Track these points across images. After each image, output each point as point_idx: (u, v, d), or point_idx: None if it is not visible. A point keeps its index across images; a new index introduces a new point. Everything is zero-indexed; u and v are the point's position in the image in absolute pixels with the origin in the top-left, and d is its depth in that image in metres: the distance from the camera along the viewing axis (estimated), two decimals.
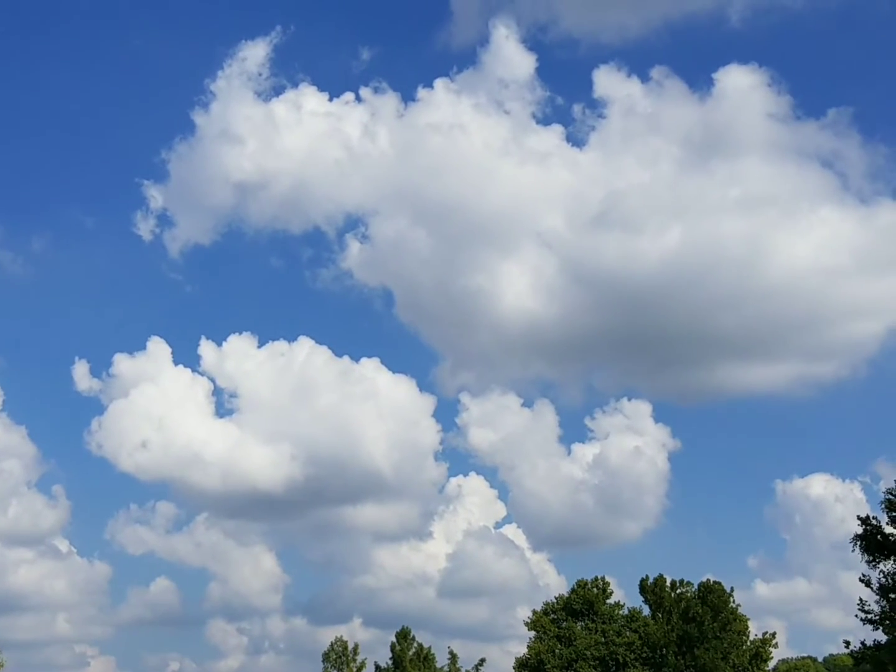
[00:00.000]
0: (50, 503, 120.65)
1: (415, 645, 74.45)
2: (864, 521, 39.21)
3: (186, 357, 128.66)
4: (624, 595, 76.79)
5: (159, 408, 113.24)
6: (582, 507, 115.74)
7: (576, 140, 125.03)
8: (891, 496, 39.03)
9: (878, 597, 39.35)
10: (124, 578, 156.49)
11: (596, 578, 76.28)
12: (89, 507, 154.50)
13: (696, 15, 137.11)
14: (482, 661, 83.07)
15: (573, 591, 75.19)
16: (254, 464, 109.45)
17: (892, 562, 39.24)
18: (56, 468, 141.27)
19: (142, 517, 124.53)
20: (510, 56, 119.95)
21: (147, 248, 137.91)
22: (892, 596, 39.11)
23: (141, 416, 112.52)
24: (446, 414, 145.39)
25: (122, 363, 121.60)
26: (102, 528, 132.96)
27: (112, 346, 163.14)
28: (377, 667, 75.28)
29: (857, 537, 39.58)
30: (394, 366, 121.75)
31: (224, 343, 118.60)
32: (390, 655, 74.45)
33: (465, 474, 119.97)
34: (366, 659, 77.03)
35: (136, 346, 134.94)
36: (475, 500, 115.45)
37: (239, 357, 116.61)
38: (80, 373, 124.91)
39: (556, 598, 76.21)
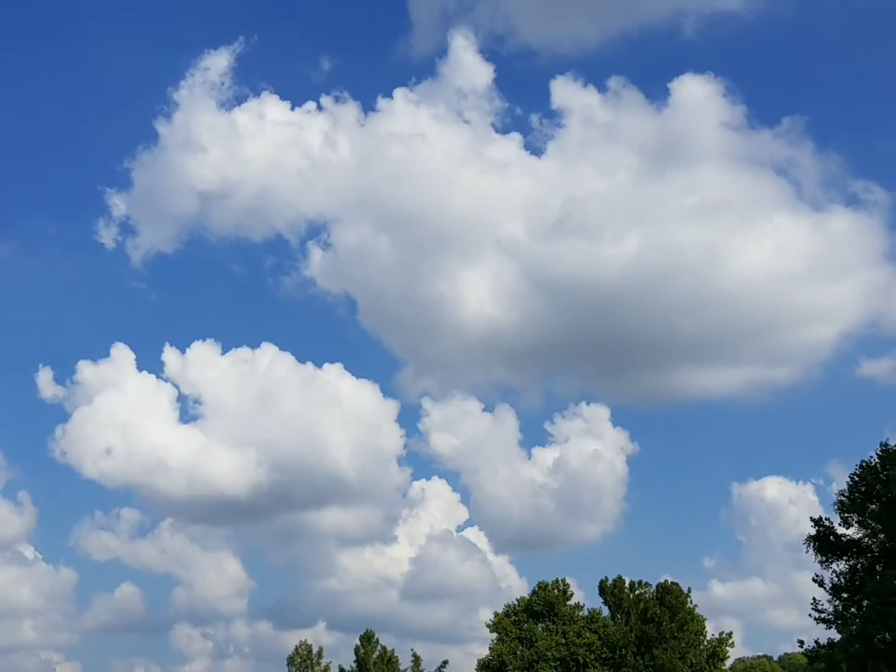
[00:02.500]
0: (15, 510, 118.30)
1: (378, 648, 73.88)
2: (817, 522, 40.26)
3: (150, 364, 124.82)
4: (584, 596, 77.13)
5: (123, 414, 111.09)
6: (542, 510, 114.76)
7: (534, 149, 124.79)
8: (843, 498, 39.31)
9: (830, 596, 40.38)
10: (89, 584, 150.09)
11: (556, 580, 76.83)
12: (54, 513, 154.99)
13: (651, 26, 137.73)
14: (444, 663, 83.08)
15: (534, 593, 75.56)
16: (218, 469, 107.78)
17: (844, 562, 40.64)
18: (21, 475, 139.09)
19: (107, 524, 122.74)
20: (469, 66, 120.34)
21: (110, 256, 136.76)
22: (845, 595, 40.35)
23: (105, 422, 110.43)
24: (409, 419, 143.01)
25: (86, 370, 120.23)
26: (68, 535, 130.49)
27: (76, 353, 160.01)
28: (341, 670, 74.20)
29: (811, 538, 40.77)
30: (357, 371, 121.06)
31: (188, 350, 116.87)
32: (354, 659, 73.72)
33: (428, 478, 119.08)
34: (330, 662, 76.59)
35: (99, 353, 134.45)
36: (438, 503, 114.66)
37: (202, 364, 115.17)
38: (44, 380, 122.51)
39: (517, 601, 76.69)
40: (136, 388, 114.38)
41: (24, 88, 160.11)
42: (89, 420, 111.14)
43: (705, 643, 72.91)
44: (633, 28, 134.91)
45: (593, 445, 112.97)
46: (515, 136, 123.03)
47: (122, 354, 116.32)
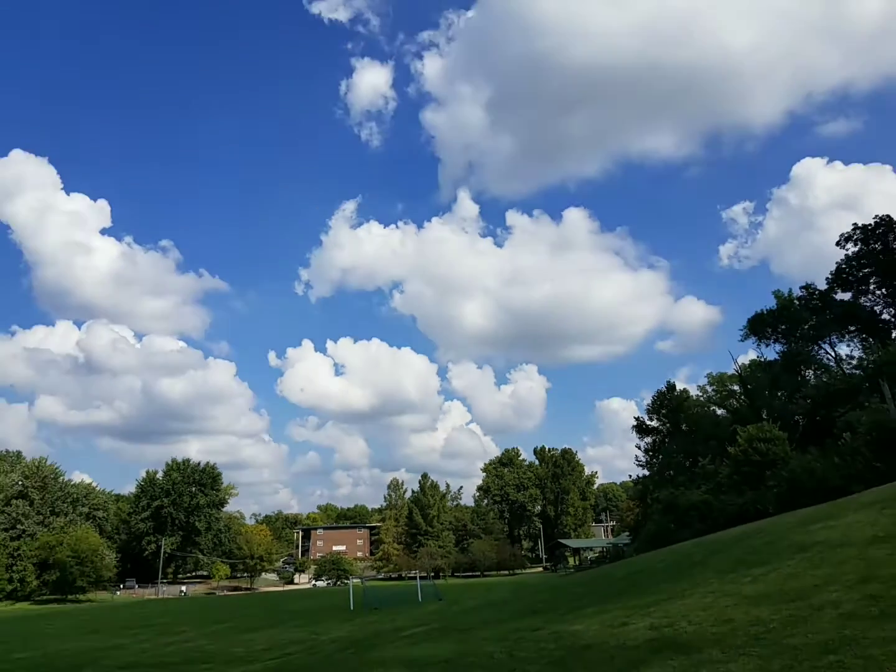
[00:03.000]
0: (260, 418, 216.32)
1: (430, 480, 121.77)
2: (637, 419, 62.86)
3: (321, 348, 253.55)
4: (527, 455, 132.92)
5: (308, 373, 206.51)
6: (506, 414, 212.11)
7: (499, 245, 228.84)
8: (647, 407, 61.62)
9: (644, 454, 61.87)
10: (294, 452, 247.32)
11: (514, 448, 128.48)
12: (278, 419, 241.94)
13: (551, 186, 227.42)
14: (461, 488, 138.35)
15: (503, 454, 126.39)
16: (353, 397, 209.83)
17: (650, 437, 61.75)
18: (262, 401, 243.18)
19: (301, 423, 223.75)
20: (467, 206, 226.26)
21: (300, 299, 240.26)
22: (651, 453, 60.95)
23: (300, 376, 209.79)
24: (442, 373, 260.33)
25: (290, 352, 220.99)
26: (284, 428, 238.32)
27: (285, 343, 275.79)
28: (413, 491, 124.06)
29: (634, 426, 62.78)
30: (418, 350, 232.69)
31: (339, 341, 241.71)
32: (419, 485, 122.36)
33: (451, 401, 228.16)
34: (407, 488, 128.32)
35: (295, 343, 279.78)
36: (456, 413, 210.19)
37: (346, 348, 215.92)
38: (272, 357, 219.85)
39: (494, 458, 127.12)
40: (314, 361, 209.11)
41: (266, 223, 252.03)
42: (292, 376, 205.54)
43: (584, 477, 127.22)
44: (545, 186, 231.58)
45: (530, 384, 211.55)
46: (489, 239, 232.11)
47: (307, 344, 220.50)
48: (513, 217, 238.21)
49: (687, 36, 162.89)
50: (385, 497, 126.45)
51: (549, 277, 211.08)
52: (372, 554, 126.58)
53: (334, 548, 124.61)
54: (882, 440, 30.45)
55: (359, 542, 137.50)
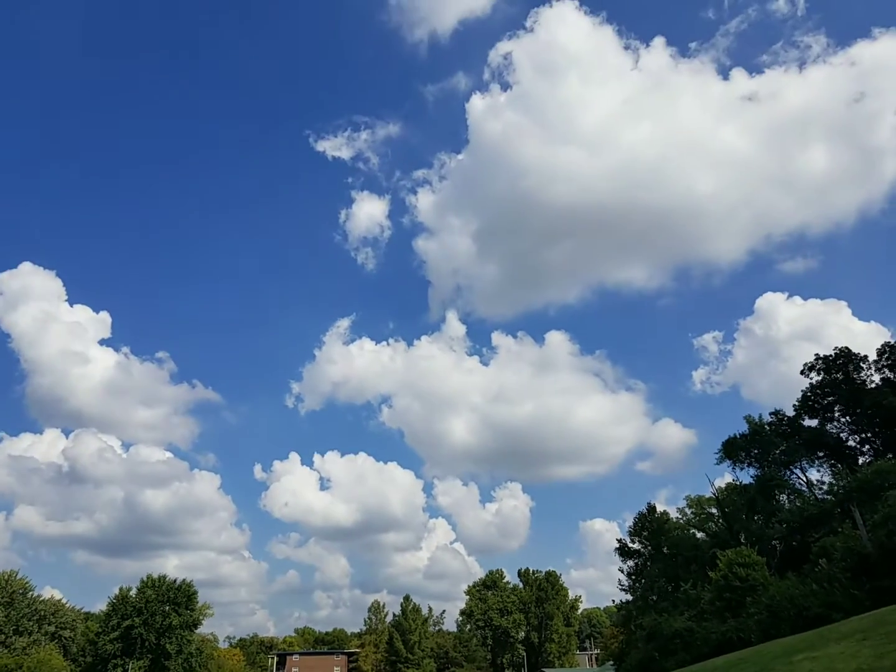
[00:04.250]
0: (241, 533, 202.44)
1: (411, 603, 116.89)
2: (620, 541, 60.43)
3: (307, 461, 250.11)
4: (511, 577, 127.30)
5: (294, 486, 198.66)
6: (491, 533, 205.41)
7: (485, 363, 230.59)
8: (629, 529, 59.23)
9: (627, 578, 59.24)
10: (274, 571, 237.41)
11: (498, 570, 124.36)
12: (259, 534, 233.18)
13: (534, 310, 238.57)
14: (443, 612, 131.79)
15: (486, 576, 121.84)
16: (338, 513, 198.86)
17: (632, 561, 59.40)
18: (244, 515, 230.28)
19: (283, 539, 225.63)
20: (455, 327, 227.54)
21: (289, 412, 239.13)
22: (633, 577, 58.45)
23: (285, 490, 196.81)
24: (428, 489, 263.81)
25: (277, 465, 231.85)
26: (265, 545, 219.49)
27: (272, 456, 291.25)
28: (394, 615, 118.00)
29: (616, 549, 60.15)
30: (404, 465, 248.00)
31: (325, 455, 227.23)
32: (400, 609, 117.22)
33: (436, 518, 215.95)
34: (389, 611, 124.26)
35: (283, 455, 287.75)
36: (441, 530, 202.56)
37: (332, 461, 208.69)
38: (257, 470, 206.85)
39: (478, 580, 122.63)
40: (300, 474, 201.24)
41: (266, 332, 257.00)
42: (277, 490, 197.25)
43: (568, 601, 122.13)
44: (528, 309, 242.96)
45: (514, 503, 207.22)
46: (476, 358, 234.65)
47: (294, 457, 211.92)
48: (498, 338, 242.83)
49: (657, 181, 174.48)
50: (365, 620, 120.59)
51: (532, 396, 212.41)
52: None
53: None
54: (856, 567, 30.05)
55: (336, 669, 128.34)
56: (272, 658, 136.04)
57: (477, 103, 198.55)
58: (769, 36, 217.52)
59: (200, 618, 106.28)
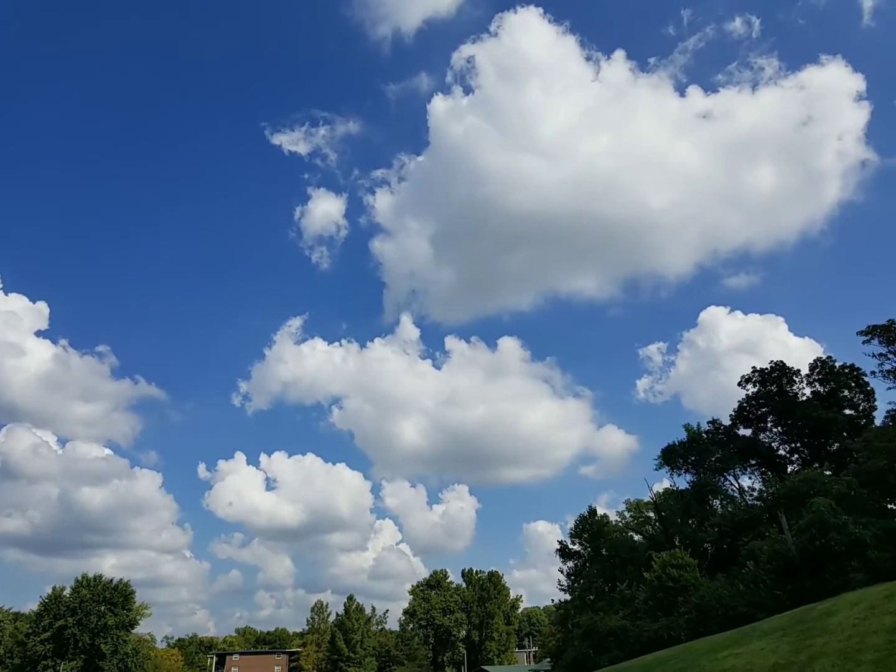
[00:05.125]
0: (183, 533, 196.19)
1: (355, 603, 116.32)
2: (561, 542, 61.84)
3: (253, 460, 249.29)
4: (455, 577, 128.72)
5: (239, 486, 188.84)
6: (437, 534, 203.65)
7: (437, 367, 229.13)
8: (570, 531, 60.86)
9: (567, 578, 60.95)
10: (216, 571, 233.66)
11: (442, 570, 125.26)
12: (201, 534, 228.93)
13: (488, 316, 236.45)
14: (387, 611, 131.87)
15: (431, 576, 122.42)
16: (284, 513, 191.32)
17: (572, 561, 60.84)
18: (187, 515, 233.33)
19: (226, 539, 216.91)
20: (409, 330, 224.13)
21: (236, 411, 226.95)
22: (573, 577, 59.90)
23: (230, 490, 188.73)
24: (376, 490, 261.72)
25: (222, 464, 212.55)
26: (207, 545, 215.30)
27: (216, 454, 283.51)
28: (338, 614, 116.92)
29: (557, 550, 61.98)
30: (353, 467, 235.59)
31: (272, 455, 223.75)
32: (344, 609, 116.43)
33: (383, 519, 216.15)
34: (332, 610, 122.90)
35: (228, 455, 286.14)
36: (387, 531, 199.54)
37: (279, 462, 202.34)
38: (201, 469, 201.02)
39: (422, 580, 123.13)
40: (245, 474, 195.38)
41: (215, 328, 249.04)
42: (221, 489, 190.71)
43: (509, 601, 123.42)
44: (482, 315, 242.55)
45: (461, 504, 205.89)
46: (428, 361, 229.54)
47: (240, 456, 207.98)
48: (451, 342, 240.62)
49: (612, 193, 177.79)
50: (308, 620, 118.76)
51: (484, 400, 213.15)
52: None
53: None
54: (781, 569, 31.39)
55: (277, 668, 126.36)
56: (211, 658, 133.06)
57: (439, 105, 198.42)
58: (725, 56, 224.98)
59: (137, 618, 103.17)
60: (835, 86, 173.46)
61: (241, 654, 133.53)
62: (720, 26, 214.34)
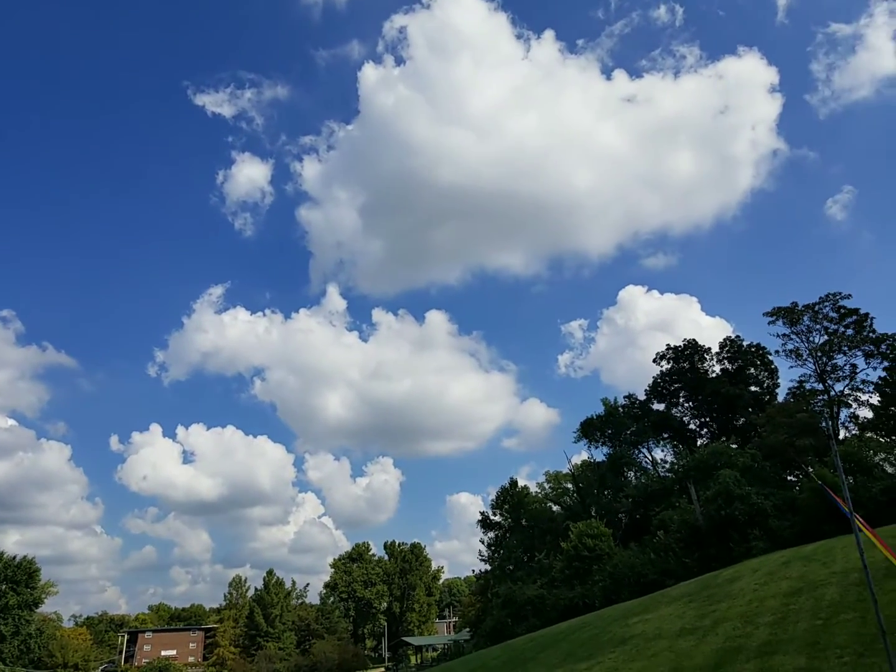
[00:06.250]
0: (93, 507, 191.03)
1: (275, 577, 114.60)
2: (482, 514, 63.42)
3: (170, 433, 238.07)
4: (377, 550, 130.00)
5: (154, 459, 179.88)
6: (360, 507, 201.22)
7: (364, 339, 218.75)
8: (492, 502, 62.88)
9: (487, 548, 62.40)
10: (128, 546, 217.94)
11: (364, 543, 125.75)
12: (113, 508, 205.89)
13: (416, 289, 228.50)
14: (307, 585, 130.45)
15: (353, 548, 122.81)
16: (201, 487, 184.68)
17: (493, 532, 62.31)
18: (98, 489, 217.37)
19: (140, 514, 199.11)
20: (335, 301, 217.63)
21: (152, 381, 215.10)
22: (493, 548, 61.31)
23: (144, 463, 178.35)
24: (298, 463, 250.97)
25: (136, 436, 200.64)
26: (119, 519, 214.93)
27: (131, 426, 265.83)
28: (256, 589, 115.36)
29: (479, 521, 63.63)
30: (275, 439, 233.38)
31: (190, 427, 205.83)
32: (263, 583, 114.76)
33: (306, 492, 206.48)
34: (250, 585, 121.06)
35: (144, 426, 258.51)
36: (309, 504, 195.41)
37: (196, 434, 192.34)
38: (113, 441, 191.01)
39: (344, 553, 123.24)
40: (161, 447, 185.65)
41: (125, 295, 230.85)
42: (135, 462, 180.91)
43: (430, 572, 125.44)
44: (411, 287, 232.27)
45: (385, 477, 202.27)
46: (355, 333, 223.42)
47: (155, 428, 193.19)
48: (379, 315, 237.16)
49: (539, 171, 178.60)
50: (225, 596, 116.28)
51: (410, 373, 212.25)
52: (205, 658, 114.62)
53: (163, 653, 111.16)
54: (689, 538, 32.89)
55: (192, 645, 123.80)
56: (122, 636, 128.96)
57: (370, 73, 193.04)
58: (649, 42, 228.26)
59: (42, 597, 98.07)
60: (750, 77, 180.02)
61: (154, 631, 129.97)
62: (646, 13, 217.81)
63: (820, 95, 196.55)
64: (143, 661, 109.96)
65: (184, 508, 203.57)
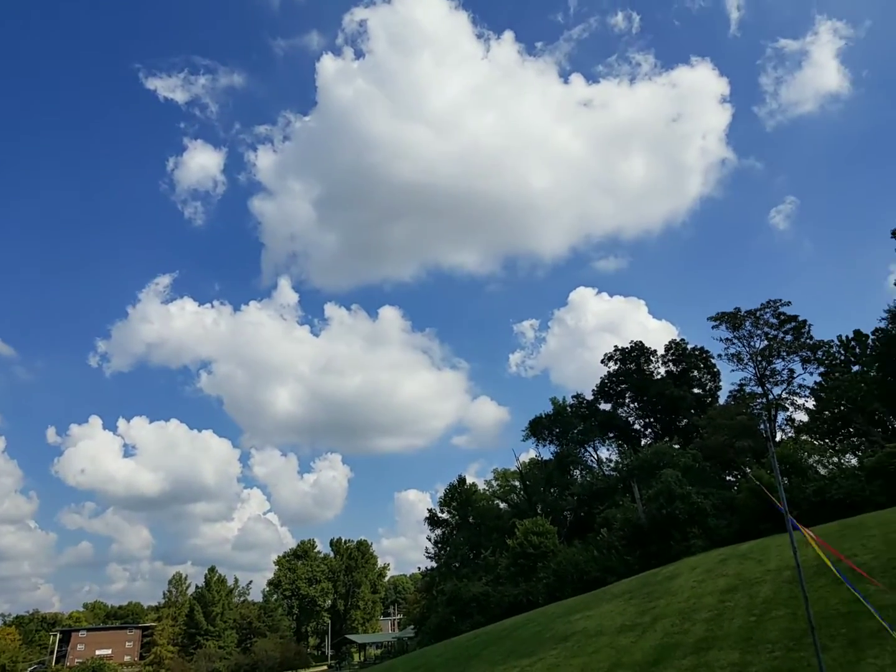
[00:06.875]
0: (27, 501, 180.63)
1: (217, 574, 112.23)
2: (430, 511, 63.69)
3: (111, 426, 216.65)
4: (323, 547, 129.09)
5: (93, 452, 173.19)
6: (307, 504, 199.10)
7: (315, 333, 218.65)
8: (440, 500, 62.76)
9: (433, 546, 62.29)
10: (63, 543, 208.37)
11: (310, 540, 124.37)
12: (48, 502, 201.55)
13: (370, 284, 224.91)
14: (250, 582, 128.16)
15: (298, 546, 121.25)
16: (142, 481, 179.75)
17: (440, 529, 62.25)
18: (32, 482, 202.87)
19: (76, 509, 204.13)
20: (287, 294, 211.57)
21: (93, 372, 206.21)
22: (440, 545, 61.27)
23: (82, 456, 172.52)
24: (244, 459, 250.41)
25: (74, 428, 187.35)
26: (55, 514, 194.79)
27: (69, 418, 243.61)
28: (197, 587, 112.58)
29: (426, 518, 63.97)
30: (220, 434, 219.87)
31: (132, 420, 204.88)
32: (205, 581, 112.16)
33: (251, 488, 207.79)
34: (191, 582, 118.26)
35: (83, 419, 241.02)
36: (255, 500, 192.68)
37: (139, 427, 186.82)
38: (50, 433, 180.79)
39: (289, 550, 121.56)
40: (101, 440, 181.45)
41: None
42: (73, 455, 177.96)
43: (376, 569, 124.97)
44: (363, 283, 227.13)
45: (333, 473, 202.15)
46: (306, 327, 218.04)
47: (95, 420, 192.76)
48: (331, 309, 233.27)
49: (496, 171, 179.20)
50: (165, 593, 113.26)
51: (362, 369, 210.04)
52: (142, 658, 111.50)
53: (98, 652, 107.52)
54: (631, 536, 33.53)
55: (128, 644, 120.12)
56: (54, 635, 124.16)
57: (328, 65, 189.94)
58: (607, 48, 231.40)
59: None
60: (703, 87, 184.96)
61: (88, 630, 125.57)
62: (604, 19, 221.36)
63: (767, 108, 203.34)
64: (76, 661, 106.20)
65: (123, 503, 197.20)
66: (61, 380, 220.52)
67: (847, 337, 53.86)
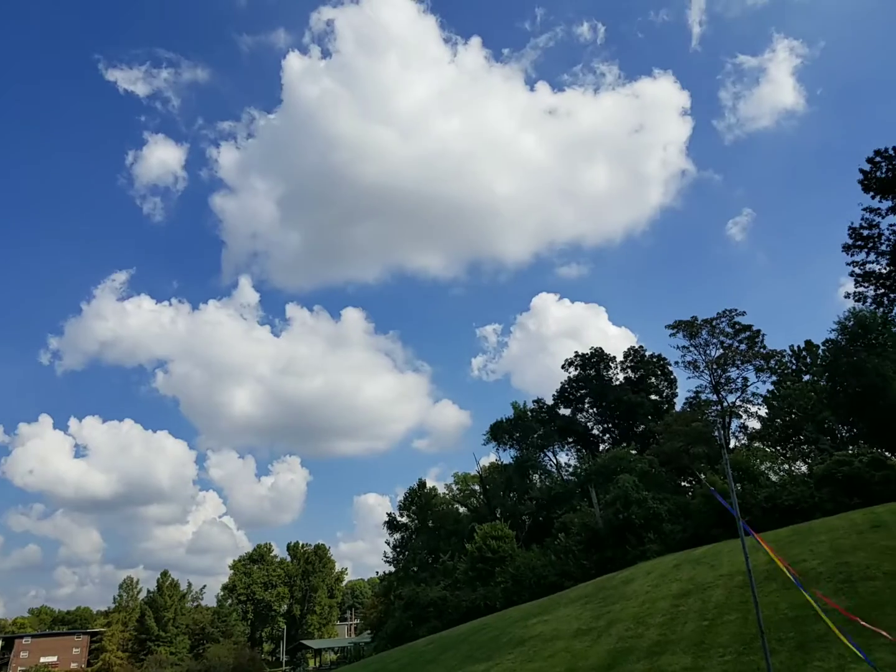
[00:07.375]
0: None
1: (169, 579, 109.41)
2: (389, 515, 63.88)
3: (61, 425, 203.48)
4: (280, 551, 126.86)
5: (43, 452, 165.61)
6: (264, 507, 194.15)
7: (276, 334, 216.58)
8: (399, 503, 63.16)
9: (392, 550, 62.58)
10: (8, 546, 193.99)
11: (266, 543, 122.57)
12: None
13: (333, 286, 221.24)
14: (204, 586, 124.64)
15: (254, 550, 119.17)
16: (93, 483, 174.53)
17: (399, 533, 62.54)
18: None
19: (24, 511, 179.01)
20: (247, 293, 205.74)
21: (45, 370, 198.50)
22: (399, 549, 61.77)
23: (31, 456, 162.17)
24: (200, 461, 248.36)
25: (23, 427, 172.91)
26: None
27: (16, 416, 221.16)
28: (149, 591, 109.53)
29: (385, 522, 64.08)
30: (176, 435, 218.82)
31: (83, 419, 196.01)
32: (157, 585, 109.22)
33: (207, 491, 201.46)
34: (142, 587, 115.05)
35: (32, 417, 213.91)
36: (210, 503, 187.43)
37: (90, 427, 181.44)
38: None
39: (245, 554, 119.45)
40: (50, 439, 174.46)
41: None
42: (21, 455, 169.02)
43: (333, 574, 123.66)
44: (326, 284, 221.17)
45: (291, 476, 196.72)
46: (266, 328, 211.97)
47: (45, 419, 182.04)
48: (293, 310, 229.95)
49: (461, 175, 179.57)
50: (115, 598, 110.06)
51: (323, 371, 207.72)
52: (90, 664, 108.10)
53: (43, 659, 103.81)
54: (588, 541, 33.83)
55: (75, 650, 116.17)
56: None
57: (294, 63, 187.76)
58: (572, 57, 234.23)
59: None
60: (664, 99, 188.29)
61: (33, 636, 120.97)
62: (569, 28, 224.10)
63: (726, 122, 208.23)
64: (19, 669, 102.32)
65: (73, 505, 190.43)
66: (10, 377, 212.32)
67: (799, 347, 55.55)
